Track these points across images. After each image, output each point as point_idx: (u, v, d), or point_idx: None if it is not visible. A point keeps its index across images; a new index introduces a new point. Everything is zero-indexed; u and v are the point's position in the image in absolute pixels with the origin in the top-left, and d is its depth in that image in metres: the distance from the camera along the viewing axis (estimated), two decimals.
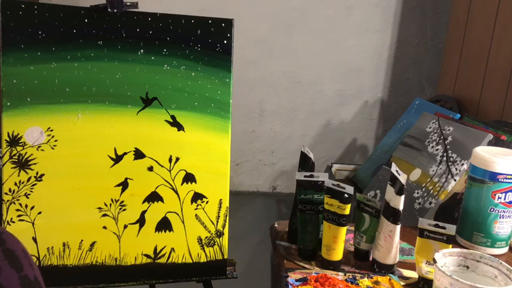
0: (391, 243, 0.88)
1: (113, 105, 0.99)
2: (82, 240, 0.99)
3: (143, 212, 1.02)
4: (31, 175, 0.96)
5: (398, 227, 0.88)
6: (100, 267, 1.01)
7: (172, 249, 1.04)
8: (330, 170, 2.02)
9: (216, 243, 1.05)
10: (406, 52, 2.62)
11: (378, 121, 2.74)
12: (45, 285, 0.56)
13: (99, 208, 0.99)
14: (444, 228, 0.84)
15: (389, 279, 0.88)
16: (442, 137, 1.32)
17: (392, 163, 0.91)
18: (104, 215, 1.00)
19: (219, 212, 1.05)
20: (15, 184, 0.95)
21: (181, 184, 1.03)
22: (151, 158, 1.01)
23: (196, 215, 1.04)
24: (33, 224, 0.97)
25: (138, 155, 1.01)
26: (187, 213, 1.04)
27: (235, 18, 1.04)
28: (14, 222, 0.96)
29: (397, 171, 0.87)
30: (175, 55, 1.01)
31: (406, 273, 0.92)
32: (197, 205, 1.04)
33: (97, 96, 0.98)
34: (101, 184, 0.99)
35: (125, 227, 1.01)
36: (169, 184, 1.02)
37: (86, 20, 0.97)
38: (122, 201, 1.00)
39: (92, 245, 1.00)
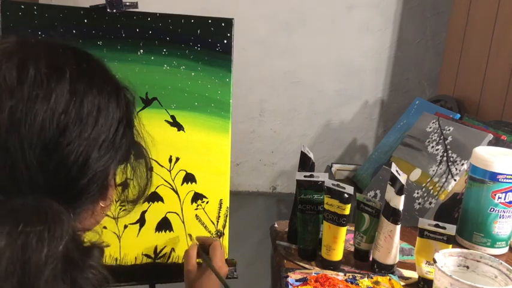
0: (391, 243, 0.88)
1: None
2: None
3: (143, 212, 1.01)
4: None
5: (398, 227, 0.87)
6: None
7: (173, 249, 1.04)
8: (330, 170, 2.02)
9: None
10: (406, 52, 2.62)
11: (378, 121, 2.74)
12: None
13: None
14: (444, 228, 0.84)
15: (389, 279, 0.88)
16: (442, 137, 1.32)
17: (393, 163, 0.91)
18: None
19: (219, 212, 1.05)
20: None
21: (182, 184, 1.03)
22: (151, 158, 1.01)
23: (196, 215, 1.04)
24: None
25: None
26: (188, 213, 1.03)
27: (235, 18, 1.04)
28: None
29: (397, 171, 0.87)
30: (175, 55, 1.01)
31: (406, 273, 0.92)
32: (197, 205, 1.04)
33: None
34: None
35: (125, 227, 1.01)
36: (170, 184, 1.02)
37: (86, 21, 0.97)
38: (122, 201, 1.00)
39: None
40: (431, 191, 1.24)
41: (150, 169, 0.73)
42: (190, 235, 1.03)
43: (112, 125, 0.56)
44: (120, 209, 1.00)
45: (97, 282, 0.50)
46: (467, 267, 0.81)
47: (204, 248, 0.93)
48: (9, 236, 0.45)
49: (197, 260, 0.91)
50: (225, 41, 1.03)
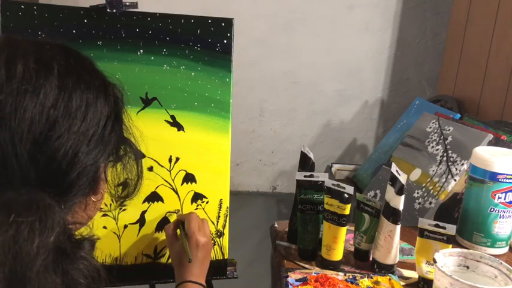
0: (391, 243, 0.88)
1: None
2: None
3: (143, 212, 1.01)
4: None
5: (398, 227, 0.88)
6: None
7: None
8: (330, 170, 2.02)
9: (216, 243, 1.05)
10: (406, 52, 2.62)
11: (378, 121, 2.74)
12: None
13: (99, 208, 0.99)
14: (444, 228, 0.84)
15: (389, 279, 0.88)
16: (442, 137, 1.32)
17: (393, 163, 0.91)
18: (104, 214, 1.00)
19: (219, 212, 1.05)
20: None
21: (181, 184, 1.03)
22: (151, 158, 1.01)
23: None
24: None
25: None
26: None
27: (235, 18, 1.04)
28: None
29: (397, 171, 0.87)
30: (175, 55, 1.01)
31: (406, 273, 0.92)
32: (197, 205, 1.04)
33: None
34: None
35: (125, 227, 1.01)
36: (169, 184, 1.02)
37: (86, 21, 0.97)
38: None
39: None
40: (431, 191, 1.24)
41: (140, 164, 0.73)
42: (178, 211, 1.04)
43: (100, 119, 0.57)
44: (120, 208, 1.00)
45: (88, 273, 0.51)
46: (467, 267, 0.81)
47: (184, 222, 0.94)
48: (1, 227, 0.46)
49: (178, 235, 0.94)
50: (225, 41, 1.03)
